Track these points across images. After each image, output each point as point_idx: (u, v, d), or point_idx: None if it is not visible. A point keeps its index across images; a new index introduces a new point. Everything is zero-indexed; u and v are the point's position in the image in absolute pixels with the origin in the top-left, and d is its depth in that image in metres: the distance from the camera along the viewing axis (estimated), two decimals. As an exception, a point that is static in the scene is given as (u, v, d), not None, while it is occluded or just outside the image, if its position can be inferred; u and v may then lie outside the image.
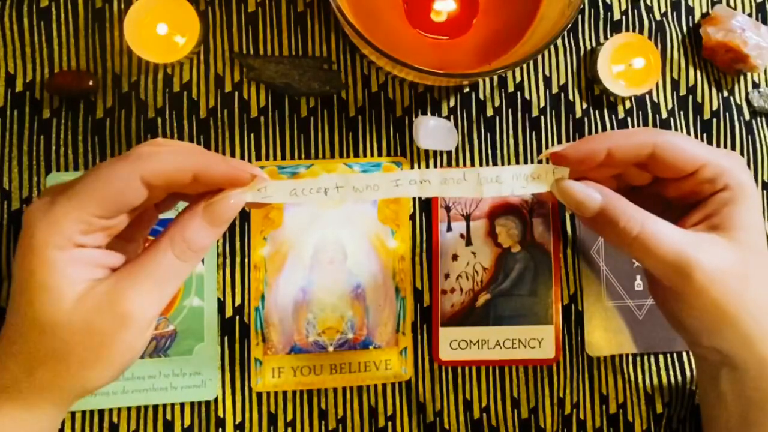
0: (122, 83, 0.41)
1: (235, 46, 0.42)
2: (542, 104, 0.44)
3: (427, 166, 0.43)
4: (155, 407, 0.40)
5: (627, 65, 0.43)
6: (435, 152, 0.43)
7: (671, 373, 0.43)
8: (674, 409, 0.42)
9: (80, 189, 0.27)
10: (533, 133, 0.44)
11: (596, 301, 0.43)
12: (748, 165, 0.45)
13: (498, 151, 0.43)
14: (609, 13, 0.45)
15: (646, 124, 0.45)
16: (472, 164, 0.43)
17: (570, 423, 0.42)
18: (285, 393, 0.41)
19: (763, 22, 0.46)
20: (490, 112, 0.44)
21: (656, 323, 0.42)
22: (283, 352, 0.41)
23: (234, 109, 0.42)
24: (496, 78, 0.44)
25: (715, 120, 0.45)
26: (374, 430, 0.41)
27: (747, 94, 0.45)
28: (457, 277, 0.42)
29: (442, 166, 0.43)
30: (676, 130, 0.45)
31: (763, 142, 0.45)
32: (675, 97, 0.45)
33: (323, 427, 0.41)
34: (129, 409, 0.39)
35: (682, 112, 0.45)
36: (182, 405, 0.40)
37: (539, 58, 0.44)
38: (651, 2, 0.45)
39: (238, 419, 0.40)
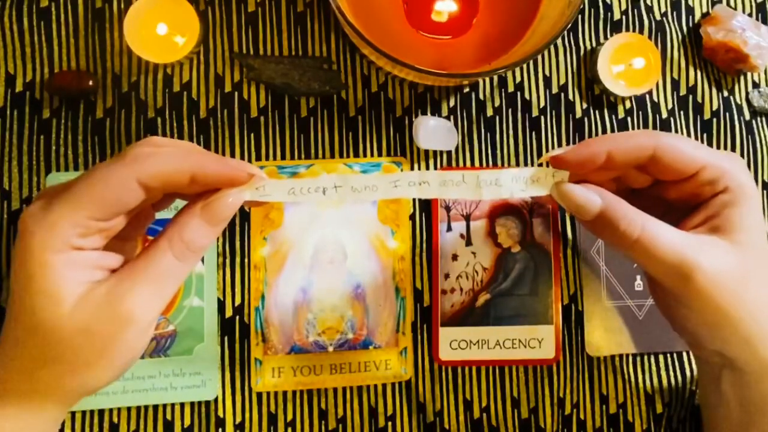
0: (122, 83, 0.41)
1: (235, 46, 0.42)
2: (542, 104, 0.44)
3: (427, 166, 0.43)
4: (155, 407, 0.40)
5: (627, 65, 0.43)
6: (435, 152, 0.43)
7: (671, 373, 0.43)
8: (674, 409, 0.43)
9: (76, 192, 0.26)
10: (533, 133, 0.44)
11: (596, 301, 0.43)
12: (749, 165, 0.45)
13: (498, 151, 0.43)
14: (609, 13, 0.45)
15: (646, 124, 0.44)
16: (472, 164, 0.43)
17: (570, 423, 0.42)
18: (285, 393, 0.41)
19: (763, 22, 0.46)
20: (490, 112, 0.44)
21: (656, 323, 0.42)
22: (283, 352, 0.41)
23: (234, 109, 0.42)
24: (496, 78, 0.44)
25: (715, 120, 0.45)
26: (374, 430, 0.41)
27: (747, 94, 0.45)
28: (457, 277, 0.42)
29: (442, 166, 0.43)
30: (676, 130, 0.45)
31: (764, 142, 0.45)
32: (675, 97, 0.45)
33: (323, 427, 0.41)
34: (129, 409, 0.39)
35: (682, 112, 0.45)
36: (182, 405, 0.40)
37: (539, 58, 0.44)
38: (651, 2, 0.45)
39: (238, 419, 0.40)
